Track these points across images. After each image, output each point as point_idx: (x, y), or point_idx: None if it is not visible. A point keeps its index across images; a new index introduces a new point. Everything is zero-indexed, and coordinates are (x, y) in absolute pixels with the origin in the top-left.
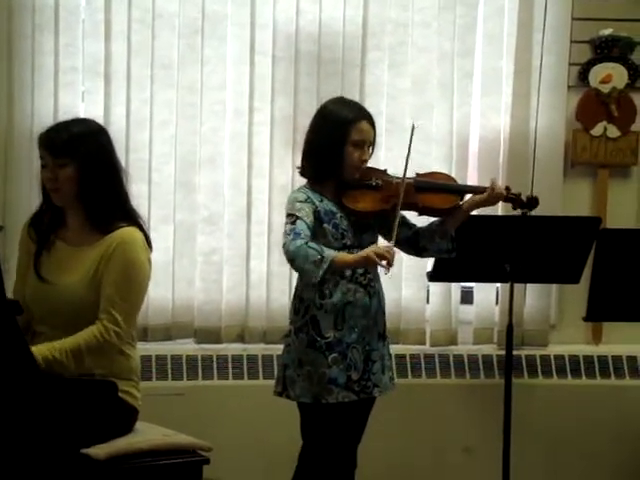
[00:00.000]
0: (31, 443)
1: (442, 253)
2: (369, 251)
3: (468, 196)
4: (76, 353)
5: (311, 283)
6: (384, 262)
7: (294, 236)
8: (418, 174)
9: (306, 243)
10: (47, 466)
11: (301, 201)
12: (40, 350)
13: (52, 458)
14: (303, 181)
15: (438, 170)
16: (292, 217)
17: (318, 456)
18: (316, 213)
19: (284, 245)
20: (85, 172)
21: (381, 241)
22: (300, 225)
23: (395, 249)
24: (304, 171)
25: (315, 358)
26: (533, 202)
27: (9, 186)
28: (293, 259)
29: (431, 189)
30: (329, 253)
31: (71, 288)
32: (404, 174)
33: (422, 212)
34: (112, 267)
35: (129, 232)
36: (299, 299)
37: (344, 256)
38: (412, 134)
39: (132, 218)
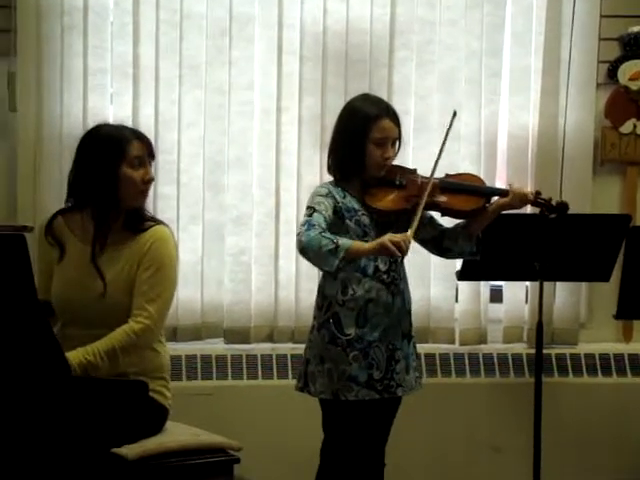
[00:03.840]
0: (62, 443)
1: (465, 255)
2: (385, 239)
3: (495, 198)
4: (110, 354)
5: (326, 271)
6: (398, 251)
7: (308, 227)
8: (447, 175)
9: (320, 233)
10: (78, 466)
11: (322, 195)
12: (74, 355)
13: (83, 458)
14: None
15: (467, 169)
16: (310, 210)
17: (339, 452)
18: (337, 209)
19: (297, 235)
20: None
21: None
22: (316, 217)
23: (412, 240)
24: (329, 169)
25: (336, 355)
26: (563, 207)
27: (39, 188)
28: (305, 248)
29: (456, 190)
30: (344, 242)
31: (107, 288)
32: (436, 163)
33: (444, 213)
34: (148, 263)
35: (163, 230)
36: (322, 296)
37: (360, 244)
38: (452, 122)
39: (153, 217)
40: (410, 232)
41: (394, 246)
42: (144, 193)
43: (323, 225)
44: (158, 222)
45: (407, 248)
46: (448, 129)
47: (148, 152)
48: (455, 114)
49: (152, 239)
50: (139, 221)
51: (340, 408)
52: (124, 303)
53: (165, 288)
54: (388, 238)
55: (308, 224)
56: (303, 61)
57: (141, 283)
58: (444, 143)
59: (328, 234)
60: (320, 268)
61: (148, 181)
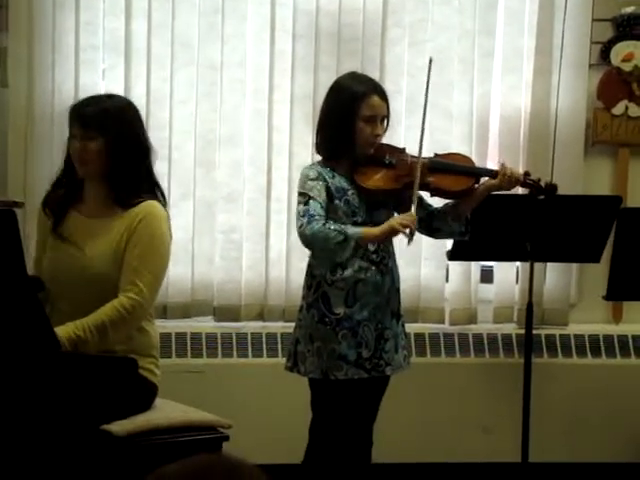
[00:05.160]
0: (52, 419)
1: (455, 235)
2: (394, 222)
3: (484, 179)
4: (100, 329)
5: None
6: (407, 231)
7: (309, 218)
8: (437, 154)
9: (324, 224)
10: (67, 442)
11: (312, 179)
12: (63, 330)
13: (72, 434)
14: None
15: (458, 149)
16: (304, 197)
17: (328, 431)
18: (328, 190)
19: (299, 228)
20: (112, 147)
21: None
22: (313, 206)
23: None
24: (318, 148)
25: (325, 334)
26: (552, 188)
27: (30, 164)
28: (311, 243)
29: (445, 170)
30: (353, 231)
31: (93, 261)
32: (422, 134)
33: (434, 193)
34: (138, 239)
35: (153, 205)
36: (311, 275)
37: (368, 231)
38: (429, 70)
39: (153, 192)
40: (413, 211)
41: (403, 227)
42: (79, 164)
43: (322, 213)
44: (153, 196)
45: (415, 227)
46: (428, 78)
47: (80, 126)
48: (431, 61)
49: (142, 214)
50: (130, 196)
51: (329, 387)
52: (111, 276)
53: (156, 264)
54: (397, 221)
55: (308, 215)
56: (296, 39)
57: (132, 259)
58: (427, 96)
59: (332, 225)
60: (331, 259)
61: (74, 152)
